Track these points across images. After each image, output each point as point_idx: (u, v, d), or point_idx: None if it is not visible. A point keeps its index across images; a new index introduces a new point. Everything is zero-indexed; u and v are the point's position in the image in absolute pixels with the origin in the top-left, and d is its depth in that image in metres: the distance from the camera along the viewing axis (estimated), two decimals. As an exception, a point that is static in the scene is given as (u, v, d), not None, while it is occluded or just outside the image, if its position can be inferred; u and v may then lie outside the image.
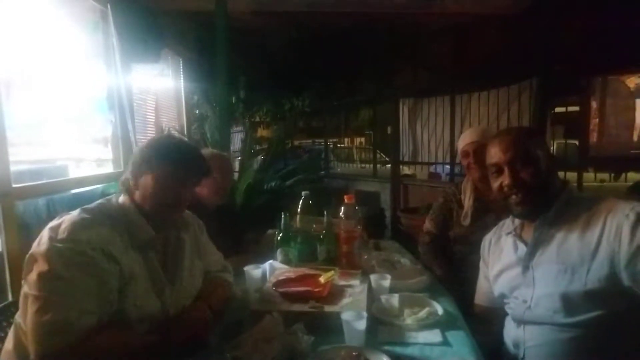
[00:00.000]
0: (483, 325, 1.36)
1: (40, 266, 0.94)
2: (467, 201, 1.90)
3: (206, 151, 1.79)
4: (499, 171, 1.21)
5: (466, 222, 1.87)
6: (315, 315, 1.17)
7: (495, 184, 1.23)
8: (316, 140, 9.92)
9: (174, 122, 4.22)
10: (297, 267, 1.56)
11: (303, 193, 1.85)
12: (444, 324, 1.21)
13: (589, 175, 6.82)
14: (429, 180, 5.80)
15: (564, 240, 1.12)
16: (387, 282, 1.40)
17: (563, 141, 6.11)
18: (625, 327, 1.06)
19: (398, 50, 5.43)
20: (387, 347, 1.08)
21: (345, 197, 1.59)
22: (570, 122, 4.91)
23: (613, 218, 1.06)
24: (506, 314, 1.29)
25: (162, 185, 1.11)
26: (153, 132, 3.58)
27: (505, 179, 1.18)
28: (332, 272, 1.39)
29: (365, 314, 1.11)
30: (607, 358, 1.10)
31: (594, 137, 4.48)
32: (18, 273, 1.21)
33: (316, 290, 1.29)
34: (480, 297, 1.46)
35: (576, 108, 4.17)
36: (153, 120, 3.70)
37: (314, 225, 1.74)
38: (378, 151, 6.99)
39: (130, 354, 0.98)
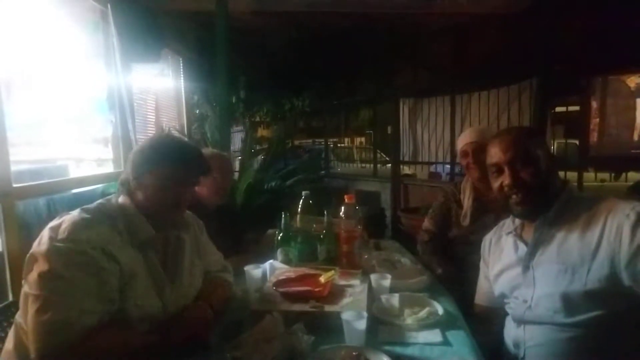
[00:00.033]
0: (483, 325, 1.36)
1: (41, 266, 0.94)
2: (467, 201, 1.90)
3: (206, 151, 1.80)
4: (499, 171, 1.21)
5: (465, 222, 1.87)
6: (315, 315, 1.17)
7: (495, 184, 1.23)
8: (316, 140, 9.91)
9: (174, 121, 4.22)
10: (298, 267, 1.56)
11: (303, 193, 1.84)
12: (444, 324, 1.21)
13: (589, 175, 6.81)
14: (429, 180, 5.80)
15: (564, 240, 1.12)
16: (387, 282, 1.40)
17: (563, 141, 6.11)
18: (626, 327, 1.06)
19: (398, 50, 5.44)
20: (387, 347, 1.08)
21: (345, 197, 1.59)
22: (571, 122, 4.92)
23: (613, 218, 1.06)
24: (506, 314, 1.29)
25: (164, 186, 1.11)
26: (153, 132, 3.58)
27: (506, 179, 1.18)
28: (333, 271, 1.38)
29: (365, 314, 1.11)
30: (607, 358, 1.09)
31: (594, 137, 4.48)
32: (18, 273, 1.21)
33: (316, 290, 1.29)
34: (481, 297, 1.46)
35: (576, 108, 4.18)
36: (153, 120, 3.70)
37: (314, 225, 1.74)
38: (378, 151, 6.99)
39: (131, 354, 0.98)
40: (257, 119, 6.68)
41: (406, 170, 6.64)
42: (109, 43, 2.78)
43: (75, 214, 1.04)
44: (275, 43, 5.39)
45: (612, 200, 1.12)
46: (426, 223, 2.05)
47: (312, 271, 1.46)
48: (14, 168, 1.89)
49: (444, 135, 5.16)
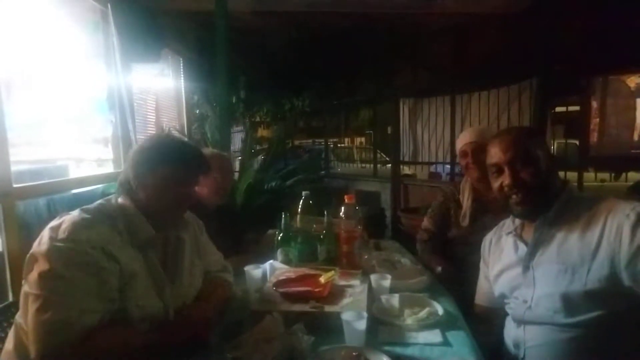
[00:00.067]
0: (483, 325, 1.36)
1: (41, 266, 0.94)
2: (466, 201, 1.90)
3: (206, 151, 1.80)
4: (499, 171, 1.21)
5: (465, 222, 1.87)
6: (315, 315, 1.17)
7: (495, 184, 1.23)
8: (316, 140, 9.91)
9: (174, 122, 4.22)
10: (298, 267, 1.56)
11: (303, 193, 1.84)
12: (444, 324, 1.21)
13: (589, 175, 6.81)
14: (429, 180, 5.80)
15: (564, 240, 1.12)
16: (387, 282, 1.40)
17: (563, 141, 6.11)
18: (626, 327, 1.06)
19: (398, 50, 5.44)
20: (387, 347, 1.08)
21: (345, 197, 1.59)
22: (571, 122, 4.92)
23: (613, 218, 1.06)
24: (506, 314, 1.29)
25: (163, 186, 1.11)
26: (153, 132, 3.58)
27: (506, 179, 1.18)
28: (333, 272, 1.39)
29: (365, 314, 1.11)
30: (607, 358, 1.09)
31: (594, 137, 4.49)
32: (18, 273, 1.22)
33: (316, 290, 1.29)
34: (481, 297, 1.46)
35: (576, 108, 4.18)
36: (153, 120, 3.70)
37: (314, 225, 1.74)
38: (378, 151, 6.99)
39: (131, 354, 0.98)
40: (257, 119, 6.68)
41: (406, 170, 6.65)
42: (109, 43, 2.78)
43: (75, 214, 1.04)
44: (275, 43, 5.39)
45: (612, 200, 1.12)
46: (425, 222, 2.05)
47: (312, 271, 1.46)
48: (14, 168, 1.89)
49: (444, 136, 5.16)
